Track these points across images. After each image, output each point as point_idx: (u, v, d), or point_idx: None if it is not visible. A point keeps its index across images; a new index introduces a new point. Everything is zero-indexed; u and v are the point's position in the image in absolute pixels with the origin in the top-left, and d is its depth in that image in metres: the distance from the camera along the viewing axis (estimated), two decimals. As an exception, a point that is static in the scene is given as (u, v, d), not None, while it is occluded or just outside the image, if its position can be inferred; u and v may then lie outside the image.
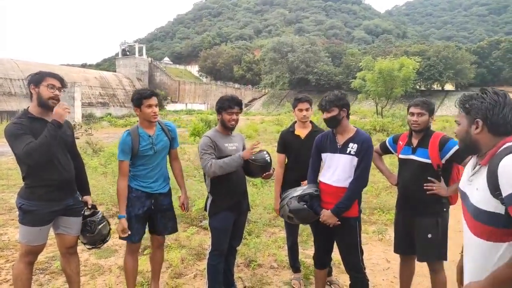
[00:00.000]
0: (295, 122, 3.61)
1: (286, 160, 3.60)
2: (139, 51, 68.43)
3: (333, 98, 2.79)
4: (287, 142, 3.55)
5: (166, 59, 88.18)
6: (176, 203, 3.33)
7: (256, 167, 3.04)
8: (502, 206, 1.44)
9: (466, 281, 1.64)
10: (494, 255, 1.49)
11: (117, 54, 76.58)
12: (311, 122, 3.60)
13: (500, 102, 1.53)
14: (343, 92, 2.99)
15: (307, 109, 3.47)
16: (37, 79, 2.61)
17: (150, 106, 2.95)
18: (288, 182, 3.40)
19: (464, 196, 1.66)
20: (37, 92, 2.60)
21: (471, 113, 1.59)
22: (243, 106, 3.29)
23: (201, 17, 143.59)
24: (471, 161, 1.70)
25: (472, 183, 1.61)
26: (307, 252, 4.30)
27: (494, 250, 1.49)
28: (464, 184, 1.69)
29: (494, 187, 1.45)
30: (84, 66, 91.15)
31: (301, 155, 3.40)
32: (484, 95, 1.57)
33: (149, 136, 3.01)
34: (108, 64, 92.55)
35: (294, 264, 3.73)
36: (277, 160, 3.57)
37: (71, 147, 2.92)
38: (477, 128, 1.57)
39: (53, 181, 2.66)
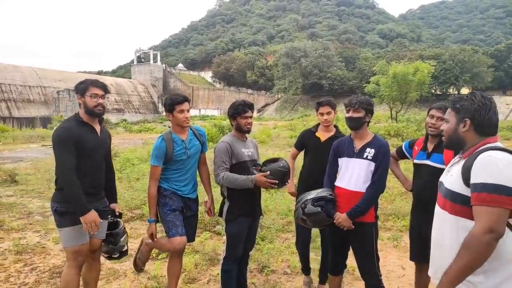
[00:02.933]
0: (319, 123, 3.55)
1: (303, 161, 3.60)
2: (153, 58, 69.49)
3: (364, 100, 2.83)
4: (306, 140, 3.56)
5: (180, 66, 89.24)
6: (201, 208, 3.36)
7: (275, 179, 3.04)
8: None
9: (441, 258, 1.74)
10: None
11: (132, 61, 77.77)
12: (335, 126, 3.53)
13: (487, 105, 1.69)
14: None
15: (328, 113, 3.38)
16: (82, 89, 2.78)
17: (182, 111, 3.02)
18: (304, 184, 3.39)
19: (440, 185, 1.85)
20: (83, 102, 2.79)
21: (461, 112, 1.74)
22: (256, 112, 3.31)
23: (215, 24, 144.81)
24: (453, 159, 1.85)
25: (449, 172, 1.81)
26: (320, 258, 4.26)
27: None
28: (443, 176, 1.88)
29: (466, 176, 1.62)
30: (100, 73, 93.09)
31: (318, 157, 3.36)
32: (473, 97, 1.72)
33: (183, 141, 3.08)
34: (123, 71, 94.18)
35: (306, 268, 3.73)
36: (291, 153, 3.73)
37: (107, 156, 3.05)
38: (464, 126, 1.73)
39: (84, 185, 2.69)
